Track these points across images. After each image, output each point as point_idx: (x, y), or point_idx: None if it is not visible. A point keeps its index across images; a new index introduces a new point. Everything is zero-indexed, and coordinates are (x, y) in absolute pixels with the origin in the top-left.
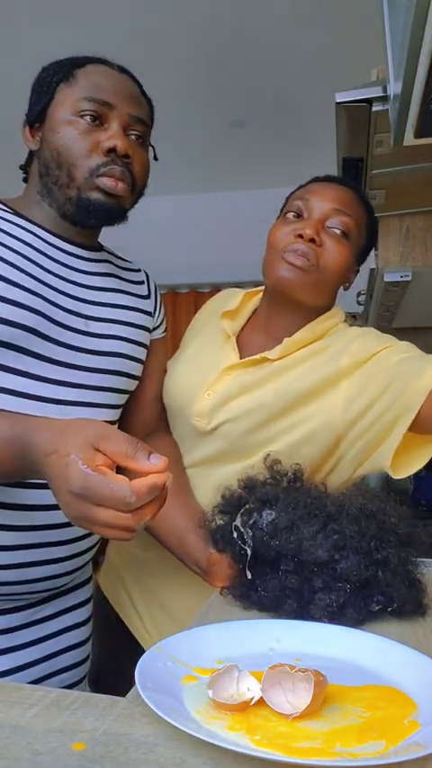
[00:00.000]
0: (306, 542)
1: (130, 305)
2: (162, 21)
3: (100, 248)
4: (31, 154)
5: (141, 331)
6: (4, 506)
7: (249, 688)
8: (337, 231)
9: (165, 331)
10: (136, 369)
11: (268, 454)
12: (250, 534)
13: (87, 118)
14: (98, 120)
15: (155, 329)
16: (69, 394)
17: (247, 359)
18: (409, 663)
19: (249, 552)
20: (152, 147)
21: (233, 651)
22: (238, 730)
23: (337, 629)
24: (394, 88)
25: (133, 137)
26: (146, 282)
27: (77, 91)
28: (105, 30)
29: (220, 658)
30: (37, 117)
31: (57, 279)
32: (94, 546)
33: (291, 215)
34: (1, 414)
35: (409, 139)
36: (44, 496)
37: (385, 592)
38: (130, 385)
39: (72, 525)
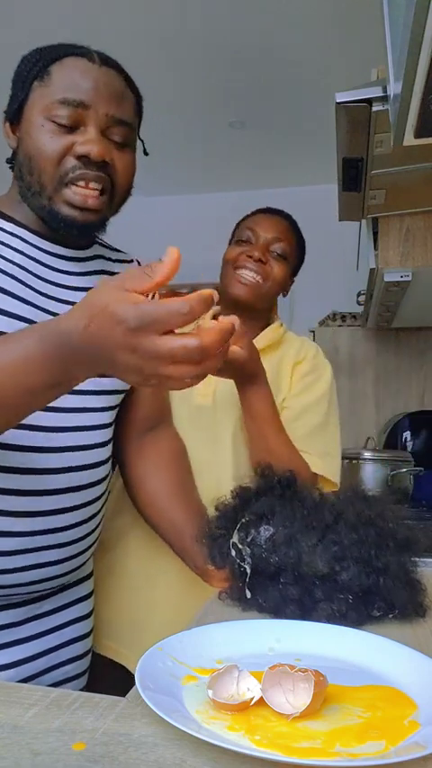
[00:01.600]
0: (306, 556)
1: None
2: (162, 21)
3: (91, 244)
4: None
5: None
6: (13, 492)
7: (249, 688)
8: (278, 254)
9: None
10: None
11: (259, 463)
12: (249, 552)
13: (61, 122)
14: (73, 123)
15: None
16: (66, 401)
17: None
18: (409, 663)
19: (249, 570)
20: (141, 140)
21: (233, 651)
22: (238, 730)
23: (337, 628)
24: (394, 88)
25: (114, 139)
26: None
27: (51, 91)
28: (106, 29)
29: (220, 658)
30: (15, 114)
31: (45, 283)
32: (96, 538)
33: (242, 241)
34: (9, 334)
35: (409, 139)
36: (49, 481)
37: (386, 599)
38: (125, 384)
39: (78, 509)
